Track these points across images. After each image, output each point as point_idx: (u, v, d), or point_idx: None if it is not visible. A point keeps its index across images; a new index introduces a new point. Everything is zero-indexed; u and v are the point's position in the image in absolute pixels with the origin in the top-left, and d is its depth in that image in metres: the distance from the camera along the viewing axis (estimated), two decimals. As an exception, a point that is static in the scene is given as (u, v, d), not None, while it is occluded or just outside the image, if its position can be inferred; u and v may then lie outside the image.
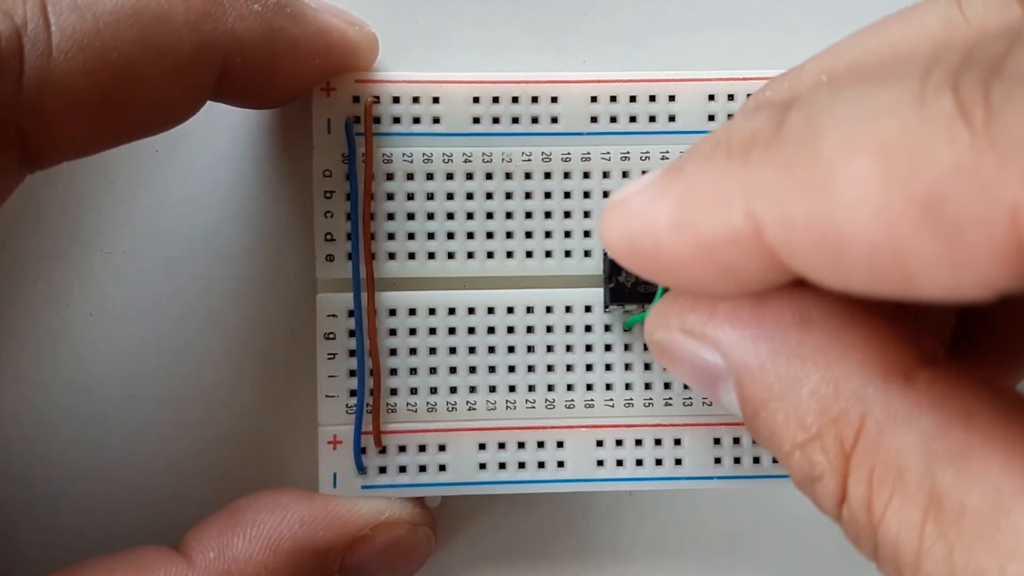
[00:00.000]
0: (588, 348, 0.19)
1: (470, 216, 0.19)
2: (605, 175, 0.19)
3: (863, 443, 0.11)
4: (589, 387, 0.19)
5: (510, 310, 0.19)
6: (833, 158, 0.10)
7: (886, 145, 0.10)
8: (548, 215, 0.19)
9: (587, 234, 0.19)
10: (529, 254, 0.19)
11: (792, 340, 0.12)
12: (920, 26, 0.12)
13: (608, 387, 0.19)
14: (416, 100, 0.19)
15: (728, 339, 0.13)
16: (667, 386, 0.19)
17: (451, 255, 0.19)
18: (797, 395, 0.12)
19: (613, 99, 0.19)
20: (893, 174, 0.10)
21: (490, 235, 0.19)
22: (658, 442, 0.19)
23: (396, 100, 0.19)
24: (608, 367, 0.19)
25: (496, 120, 0.19)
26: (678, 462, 0.19)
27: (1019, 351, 0.15)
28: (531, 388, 0.19)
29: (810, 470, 0.12)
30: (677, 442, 0.19)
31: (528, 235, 0.19)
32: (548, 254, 0.19)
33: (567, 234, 0.19)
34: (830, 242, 0.10)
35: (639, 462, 0.19)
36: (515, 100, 0.19)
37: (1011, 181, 0.09)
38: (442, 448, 0.19)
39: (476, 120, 0.19)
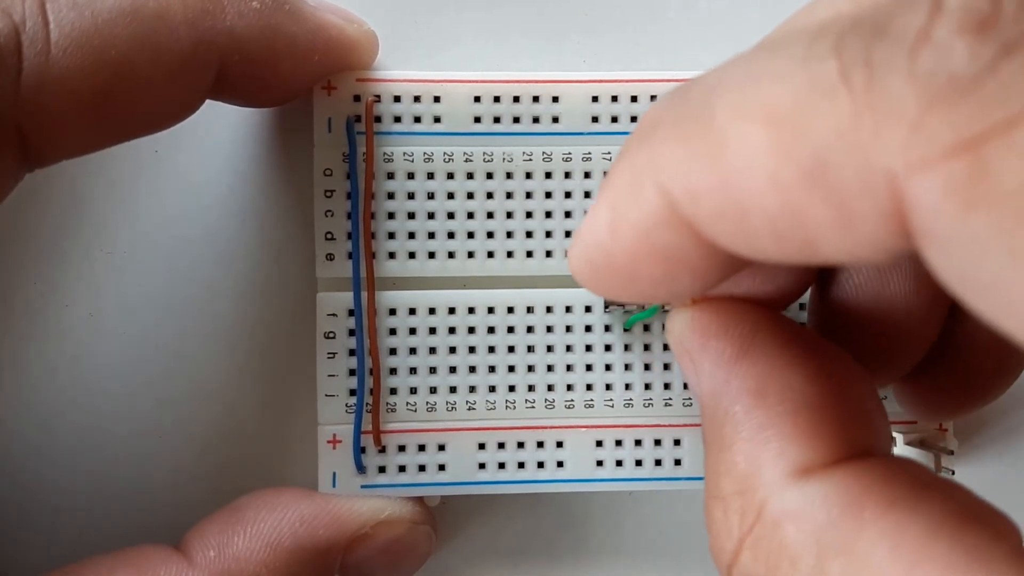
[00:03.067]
0: (588, 348, 0.19)
1: (470, 216, 0.19)
2: (606, 175, 0.19)
3: (760, 528, 0.12)
4: (589, 387, 0.19)
5: (510, 310, 0.19)
6: (724, 126, 0.10)
7: (772, 111, 0.10)
8: (549, 215, 0.19)
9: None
10: (530, 254, 0.19)
11: (741, 406, 0.13)
12: (833, 9, 0.12)
13: (608, 387, 0.19)
14: (417, 99, 0.19)
15: (703, 370, 0.14)
16: (667, 386, 0.19)
17: (451, 254, 0.19)
18: (722, 459, 0.13)
19: (614, 99, 0.19)
20: (780, 141, 0.10)
21: (490, 235, 0.19)
22: (658, 442, 0.19)
23: (397, 99, 0.19)
24: (608, 367, 0.19)
25: (497, 119, 0.19)
26: (678, 462, 0.19)
27: (983, 374, 0.16)
28: (531, 388, 0.19)
29: (711, 524, 0.13)
30: (677, 442, 0.19)
31: (529, 235, 0.19)
32: (548, 254, 0.19)
33: (568, 234, 0.19)
34: (733, 210, 0.10)
35: (639, 462, 0.19)
36: (516, 100, 0.19)
37: (889, 146, 0.09)
38: (441, 448, 0.19)
39: (477, 119, 0.19)
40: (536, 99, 0.19)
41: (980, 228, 0.08)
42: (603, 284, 0.13)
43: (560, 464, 0.19)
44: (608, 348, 0.19)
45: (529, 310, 0.19)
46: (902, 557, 0.11)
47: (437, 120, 0.19)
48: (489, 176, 0.19)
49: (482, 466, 0.19)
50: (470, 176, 0.19)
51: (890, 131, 0.09)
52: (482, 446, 0.19)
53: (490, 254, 0.19)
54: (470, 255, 0.19)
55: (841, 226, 0.10)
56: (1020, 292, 0.08)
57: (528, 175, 0.19)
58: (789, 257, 0.11)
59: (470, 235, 0.19)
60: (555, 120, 0.19)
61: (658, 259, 0.12)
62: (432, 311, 0.19)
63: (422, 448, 0.19)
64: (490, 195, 0.19)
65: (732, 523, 0.13)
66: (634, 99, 0.19)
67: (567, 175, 0.19)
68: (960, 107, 0.09)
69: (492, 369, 0.19)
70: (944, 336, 0.15)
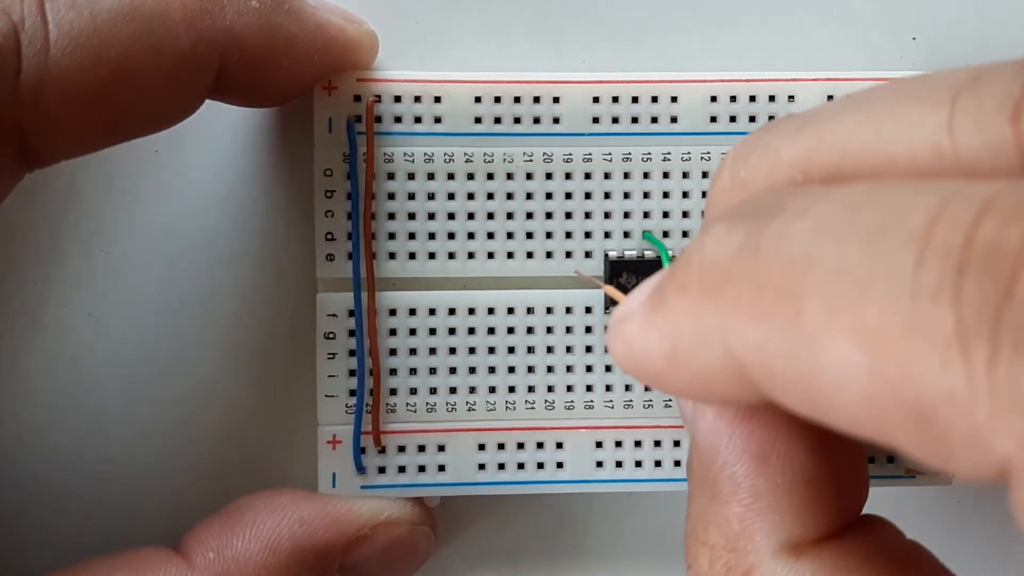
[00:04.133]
0: (588, 349, 0.19)
1: (471, 216, 0.19)
2: (607, 176, 0.19)
3: None
4: (589, 388, 0.19)
5: (510, 311, 0.19)
6: (816, 331, 0.09)
7: (874, 337, 0.09)
8: (549, 216, 0.19)
9: (588, 235, 0.19)
10: (530, 255, 0.19)
11: (741, 468, 0.13)
12: (907, 147, 0.11)
13: (608, 388, 0.19)
14: (418, 99, 0.19)
15: (704, 417, 0.13)
16: (667, 388, 0.19)
17: (452, 255, 0.19)
18: (715, 511, 0.13)
19: (615, 100, 0.19)
20: (881, 373, 0.09)
21: (491, 235, 0.19)
22: (657, 443, 0.19)
23: (398, 99, 0.19)
24: (608, 368, 0.19)
25: (498, 120, 0.19)
26: (677, 464, 0.19)
27: None
28: (531, 389, 0.19)
29: (693, 564, 0.13)
30: (676, 444, 0.19)
31: (529, 236, 0.19)
32: (549, 255, 0.19)
33: (568, 235, 0.19)
34: (812, 401, 0.10)
35: (638, 463, 0.19)
36: (517, 100, 0.19)
37: (1006, 436, 0.08)
38: (441, 448, 0.19)
39: (478, 120, 0.19)
40: (537, 100, 0.19)
41: None
42: (646, 382, 0.14)
43: (560, 465, 0.19)
44: (608, 349, 0.19)
45: (529, 311, 0.19)
46: None
47: (438, 120, 0.19)
48: (490, 177, 0.19)
49: (482, 467, 0.19)
50: (471, 177, 0.19)
51: (1011, 423, 0.08)
52: (482, 447, 0.19)
53: (490, 255, 0.19)
54: (470, 256, 0.19)
55: (935, 458, 0.09)
56: None
57: (529, 176, 0.19)
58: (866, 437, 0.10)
59: (470, 236, 0.19)
60: (556, 121, 0.19)
61: (716, 398, 0.12)
62: (432, 312, 0.19)
63: (422, 449, 0.19)
64: (491, 196, 0.19)
65: (718, 573, 0.13)
66: (635, 100, 0.19)
67: (568, 176, 0.19)
68: None
69: (492, 370, 0.19)
70: None
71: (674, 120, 0.19)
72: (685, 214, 0.19)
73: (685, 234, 0.19)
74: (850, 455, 0.13)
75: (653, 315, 0.12)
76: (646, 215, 0.19)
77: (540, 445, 0.19)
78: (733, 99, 0.19)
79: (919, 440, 0.09)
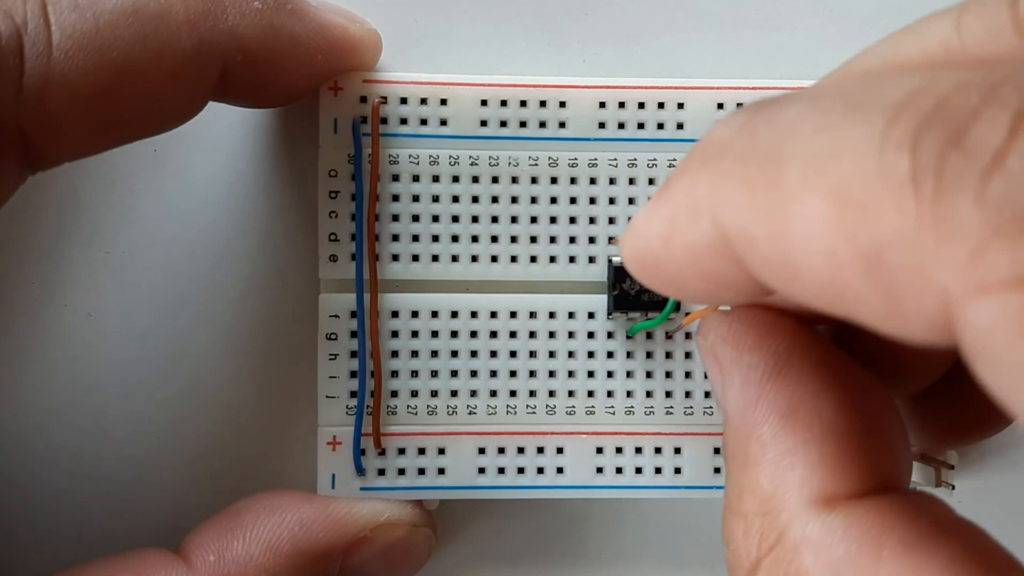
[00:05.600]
0: (590, 355, 0.19)
1: (475, 219, 0.19)
2: (612, 181, 0.19)
3: (779, 551, 0.12)
4: (590, 394, 0.19)
5: (513, 315, 0.19)
6: (791, 189, 0.10)
7: (840, 190, 0.10)
8: (553, 220, 0.19)
9: (592, 240, 0.19)
10: (533, 259, 0.19)
11: (769, 427, 0.13)
12: (921, 51, 0.12)
13: (609, 394, 0.19)
14: (424, 101, 0.19)
15: (732, 383, 0.14)
16: (668, 395, 0.19)
17: (455, 258, 0.19)
18: (743, 476, 0.13)
19: (621, 105, 0.19)
20: (842, 222, 0.10)
21: (494, 239, 0.19)
22: (658, 450, 0.19)
23: (403, 101, 0.19)
24: (610, 374, 0.19)
25: (504, 123, 0.19)
26: (678, 471, 0.19)
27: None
28: (532, 393, 0.19)
29: (730, 538, 0.13)
30: (677, 451, 0.19)
31: (533, 240, 0.19)
32: (552, 259, 0.19)
33: (572, 240, 0.19)
34: (785, 264, 0.11)
35: (639, 470, 0.19)
36: (523, 104, 0.19)
37: (947, 265, 0.09)
38: (441, 451, 0.19)
39: (483, 123, 0.19)
40: (543, 104, 0.19)
41: None
42: (646, 278, 0.13)
43: (560, 470, 0.19)
44: (610, 355, 0.19)
45: (532, 315, 0.19)
46: None
47: (443, 123, 0.19)
48: (494, 180, 0.19)
49: (482, 471, 0.19)
50: (475, 180, 0.19)
51: (950, 250, 0.09)
52: (482, 451, 0.19)
53: (494, 258, 0.19)
54: (474, 259, 0.19)
55: (887, 313, 0.10)
56: None
57: (534, 180, 0.19)
58: (828, 312, 0.11)
59: (474, 239, 0.19)
60: (562, 125, 0.19)
61: (706, 280, 0.12)
62: (435, 314, 0.19)
63: (422, 451, 0.19)
64: (495, 199, 0.19)
65: (752, 542, 0.13)
66: (642, 105, 0.19)
67: (573, 180, 0.19)
68: (1022, 243, 0.09)
69: (494, 374, 0.19)
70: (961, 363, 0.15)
71: (680, 126, 0.19)
72: (689, 221, 0.19)
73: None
74: (883, 414, 0.13)
75: (657, 201, 0.13)
76: (650, 221, 0.19)
77: (540, 450, 0.19)
78: (740, 106, 0.19)
79: (871, 294, 0.10)
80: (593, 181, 0.19)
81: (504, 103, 0.19)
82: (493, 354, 0.19)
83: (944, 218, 0.09)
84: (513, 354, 0.19)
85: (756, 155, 0.11)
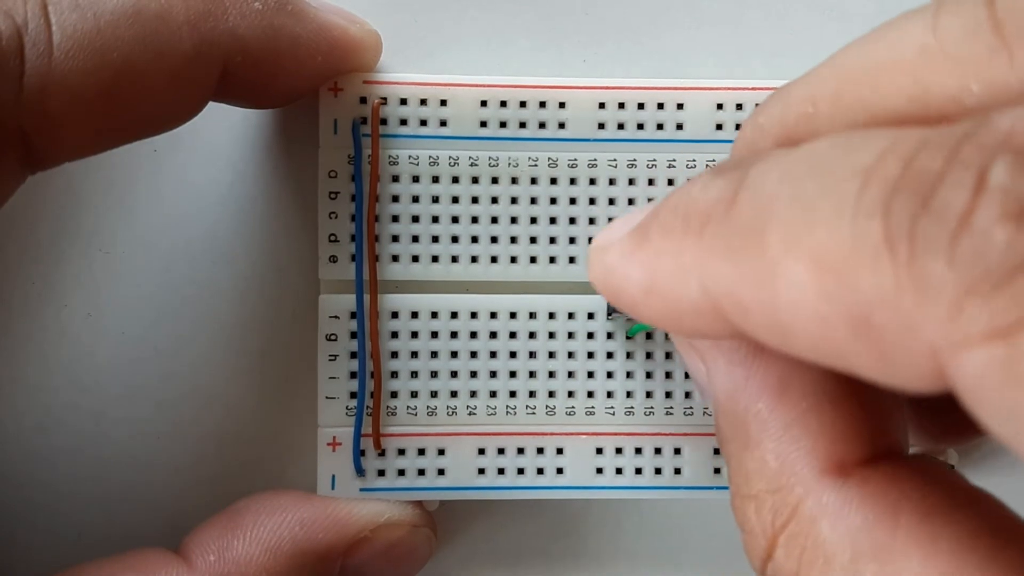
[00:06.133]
0: (590, 355, 0.19)
1: (475, 220, 0.19)
2: (611, 182, 0.19)
3: (794, 525, 0.12)
4: (590, 394, 0.19)
5: (512, 315, 0.19)
6: (775, 259, 0.11)
7: (821, 258, 0.10)
8: (553, 221, 0.19)
9: (592, 241, 0.19)
10: (533, 260, 0.19)
11: (764, 403, 0.13)
12: (898, 54, 0.12)
13: (609, 395, 0.19)
14: (423, 102, 0.19)
15: (717, 369, 0.14)
16: (668, 395, 0.19)
17: (455, 259, 0.19)
18: (747, 458, 0.13)
19: (621, 106, 0.19)
20: (825, 287, 0.10)
21: (494, 240, 0.19)
22: (658, 451, 0.19)
23: (403, 102, 0.19)
24: (610, 375, 0.19)
25: (503, 124, 0.19)
26: (677, 471, 0.19)
27: None
28: (532, 394, 0.19)
29: (743, 522, 0.13)
30: (677, 451, 0.19)
31: (533, 240, 0.19)
32: (552, 260, 0.19)
33: (571, 240, 0.19)
34: (779, 327, 0.11)
35: (638, 471, 0.19)
36: (523, 104, 0.19)
37: (929, 322, 0.09)
38: (441, 452, 0.19)
39: (483, 124, 0.19)
40: (543, 104, 0.19)
41: (1020, 403, 0.09)
42: (620, 307, 0.14)
43: (560, 471, 0.19)
44: (610, 355, 0.19)
45: (531, 316, 0.19)
46: (935, 570, 0.11)
47: (443, 124, 0.19)
48: (494, 181, 0.19)
49: (481, 471, 0.19)
50: (475, 180, 0.19)
51: (931, 310, 0.09)
52: (482, 451, 0.19)
53: (494, 259, 0.19)
54: (473, 260, 0.19)
55: (882, 369, 0.10)
56: None
57: (533, 180, 0.19)
58: (827, 366, 0.11)
59: (474, 239, 0.19)
60: (561, 126, 0.19)
61: (688, 329, 0.13)
62: (434, 315, 0.19)
63: (422, 452, 0.19)
64: (495, 200, 0.19)
65: (766, 520, 0.13)
66: (641, 106, 0.19)
67: (572, 181, 0.19)
68: (996, 298, 0.09)
69: (493, 374, 0.19)
70: None
71: (680, 127, 0.19)
72: (689, 221, 0.19)
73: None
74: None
75: (636, 250, 0.13)
76: (650, 221, 0.19)
77: (540, 451, 0.19)
78: (739, 107, 0.19)
79: (864, 351, 0.10)
80: (593, 182, 0.19)
81: (504, 104, 0.19)
82: (493, 355, 0.19)
83: (920, 279, 0.09)
84: (513, 355, 0.19)
85: (739, 227, 0.11)
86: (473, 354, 0.19)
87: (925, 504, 0.11)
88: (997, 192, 0.09)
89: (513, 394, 0.19)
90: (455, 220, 0.19)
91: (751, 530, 0.13)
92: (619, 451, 0.19)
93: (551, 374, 0.19)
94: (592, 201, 0.19)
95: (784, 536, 0.12)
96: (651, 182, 0.19)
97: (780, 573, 0.12)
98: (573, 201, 0.19)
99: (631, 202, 0.19)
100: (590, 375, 0.19)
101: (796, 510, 0.12)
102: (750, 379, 0.13)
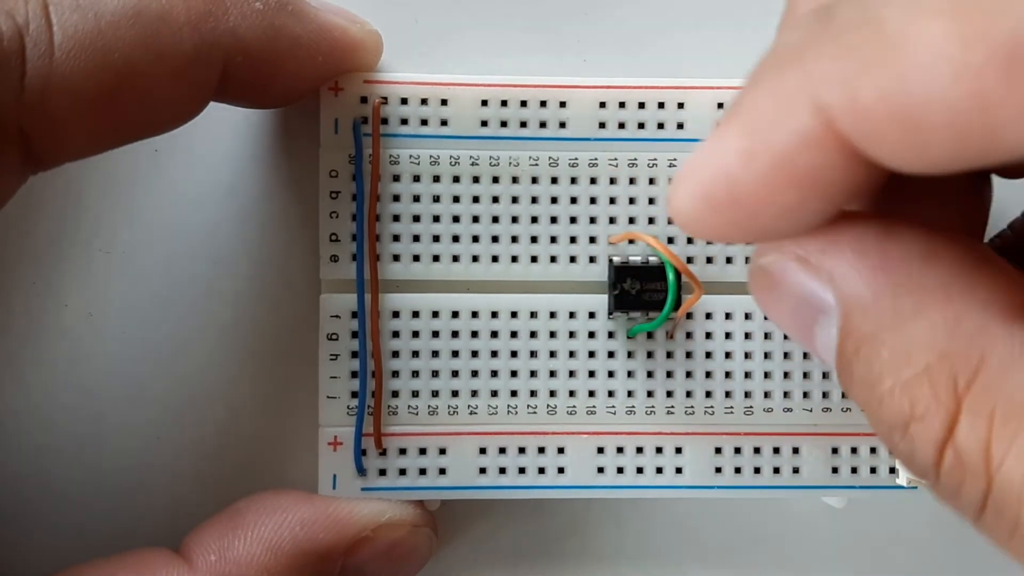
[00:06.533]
0: (591, 354, 0.19)
1: (475, 219, 0.19)
2: (612, 181, 0.19)
3: (983, 380, 0.11)
4: (591, 393, 0.19)
5: (514, 314, 0.19)
6: (900, 28, 0.10)
7: (957, 2, 0.10)
8: (554, 220, 0.19)
9: (592, 240, 0.19)
10: (534, 259, 0.19)
11: (915, 273, 0.12)
12: None
13: (610, 394, 0.19)
14: (424, 102, 0.19)
15: (844, 270, 0.12)
16: (669, 394, 0.19)
17: (456, 258, 0.19)
18: (911, 329, 0.11)
19: (622, 105, 0.19)
20: (971, 27, 0.09)
21: (495, 239, 0.19)
22: (659, 450, 0.19)
23: (404, 101, 0.19)
24: (611, 374, 0.19)
25: (504, 124, 0.19)
26: (679, 470, 0.19)
27: None
28: (533, 393, 0.19)
29: (910, 410, 0.11)
30: (678, 450, 0.19)
31: (533, 240, 0.19)
32: (553, 259, 0.19)
33: (572, 240, 0.19)
34: (908, 115, 0.10)
35: (640, 470, 0.19)
36: (523, 104, 0.19)
37: None
38: (443, 451, 0.19)
39: (484, 123, 0.19)
40: (543, 104, 0.19)
41: None
42: (716, 221, 0.12)
43: (561, 470, 0.19)
44: (611, 355, 0.19)
45: (533, 315, 0.19)
46: None
47: (444, 123, 0.19)
48: (495, 180, 0.19)
49: (483, 471, 0.19)
50: (476, 180, 0.19)
51: None
52: (483, 450, 0.19)
53: (494, 258, 0.19)
54: (474, 259, 0.19)
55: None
56: None
57: (534, 180, 0.19)
58: (960, 160, 0.10)
59: (475, 239, 0.19)
60: (562, 125, 0.19)
61: (797, 186, 0.11)
62: (435, 314, 0.19)
63: (423, 451, 0.19)
64: (495, 199, 0.19)
65: (945, 388, 0.11)
66: (642, 105, 0.19)
67: (573, 180, 0.19)
68: None
69: (494, 374, 0.19)
70: None
71: (680, 126, 0.19)
72: (690, 220, 0.19)
73: (689, 240, 0.19)
74: (991, 252, 0.12)
75: (728, 121, 0.12)
76: (651, 221, 0.19)
77: (542, 450, 0.19)
78: (740, 106, 0.19)
79: (1017, 99, 0.09)
80: (593, 181, 0.19)
81: (504, 103, 0.19)
82: (494, 354, 0.19)
83: None
84: (514, 354, 0.19)
85: (847, 27, 0.11)
86: (474, 353, 0.19)
87: None
88: None
89: (514, 393, 0.19)
90: (456, 219, 0.19)
91: (922, 414, 0.11)
92: (620, 450, 0.19)
93: (552, 373, 0.19)
94: (593, 200, 0.19)
95: (971, 395, 0.11)
96: (652, 181, 0.19)
97: (966, 449, 0.11)
98: (574, 200, 0.19)
99: (632, 201, 0.19)
100: (591, 374, 0.19)
101: (983, 362, 0.11)
102: (888, 258, 0.12)
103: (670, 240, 0.19)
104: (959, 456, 0.11)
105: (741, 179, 0.11)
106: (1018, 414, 0.11)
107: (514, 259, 0.19)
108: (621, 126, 0.19)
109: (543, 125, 0.19)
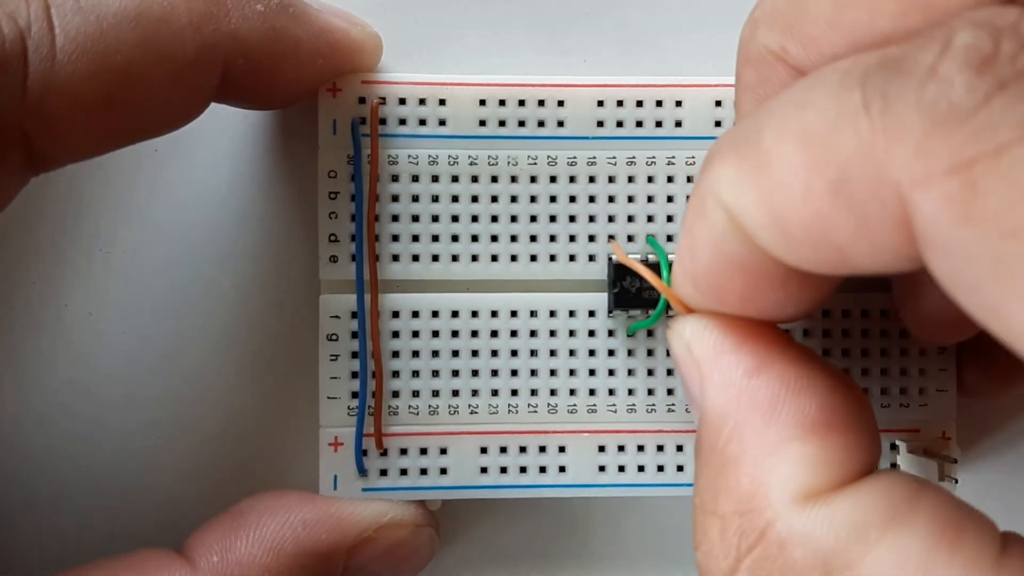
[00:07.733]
0: (591, 353, 0.19)
1: (474, 219, 0.19)
2: (611, 180, 0.19)
3: (763, 548, 0.12)
4: (592, 392, 0.19)
5: (513, 314, 0.19)
6: (769, 147, 0.12)
7: (808, 133, 0.11)
8: (553, 219, 0.19)
9: (592, 239, 0.19)
10: (533, 258, 0.19)
11: (751, 426, 0.13)
12: None
13: (611, 392, 0.19)
14: (422, 102, 0.19)
15: (712, 383, 0.14)
16: (670, 392, 0.19)
17: (455, 258, 0.19)
18: (727, 472, 0.13)
19: (620, 103, 0.19)
20: (812, 158, 0.11)
21: (494, 238, 0.19)
22: (660, 448, 0.19)
23: (402, 101, 0.19)
24: (611, 372, 0.19)
25: (502, 123, 0.19)
26: (680, 469, 0.19)
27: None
28: (533, 392, 0.19)
29: (702, 540, 0.13)
30: (679, 448, 0.19)
31: (533, 239, 0.19)
32: (552, 258, 0.19)
33: (572, 238, 0.19)
34: (776, 221, 0.12)
35: (641, 468, 0.19)
36: (522, 103, 0.19)
37: (897, 162, 0.10)
38: (443, 451, 0.19)
39: (482, 123, 0.19)
40: (542, 103, 0.19)
41: (969, 239, 0.10)
42: (707, 303, 0.14)
43: (562, 469, 0.19)
44: (611, 353, 0.19)
45: (532, 314, 0.19)
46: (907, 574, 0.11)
47: (442, 123, 0.19)
48: (494, 180, 0.19)
49: (484, 470, 0.19)
50: (475, 179, 0.19)
51: (899, 149, 0.10)
52: (484, 450, 0.19)
53: (494, 258, 0.19)
54: (474, 258, 0.19)
55: (861, 233, 0.11)
56: (999, 297, 0.10)
57: (533, 179, 0.19)
58: (825, 266, 0.12)
59: (474, 238, 0.19)
60: (560, 124, 0.19)
61: (734, 272, 0.13)
62: (435, 314, 0.19)
63: (424, 451, 0.19)
64: (494, 199, 0.19)
65: (730, 542, 0.13)
66: (639, 104, 0.19)
67: (572, 179, 0.19)
68: (956, 132, 0.10)
69: (495, 373, 0.19)
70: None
71: (678, 124, 0.19)
72: (689, 218, 0.19)
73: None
74: (857, 404, 0.14)
75: (680, 232, 0.14)
76: (650, 219, 0.19)
77: (542, 449, 0.19)
78: (738, 104, 0.19)
79: (845, 219, 0.11)
80: (592, 179, 0.19)
81: (503, 103, 0.19)
82: (494, 353, 0.19)
83: (891, 125, 0.11)
84: (514, 353, 0.19)
85: (742, 135, 0.13)
86: (474, 353, 0.19)
87: (889, 515, 0.12)
88: (960, 49, 0.10)
89: (515, 392, 0.19)
90: (455, 219, 0.19)
91: (710, 550, 0.13)
92: (621, 449, 0.19)
93: (552, 372, 0.19)
94: (592, 199, 0.19)
95: (750, 559, 0.12)
96: (650, 179, 0.19)
97: None
98: (573, 199, 0.19)
99: (631, 199, 0.19)
100: (591, 373, 0.19)
101: (764, 534, 0.12)
102: (741, 398, 0.13)
103: (669, 239, 0.19)
104: None
105: (695, 271, 0.14)
106: None
107: (513, 258, 0.19)
108: (619, 124, 0.19)
109: (541, 124, 0.19)
